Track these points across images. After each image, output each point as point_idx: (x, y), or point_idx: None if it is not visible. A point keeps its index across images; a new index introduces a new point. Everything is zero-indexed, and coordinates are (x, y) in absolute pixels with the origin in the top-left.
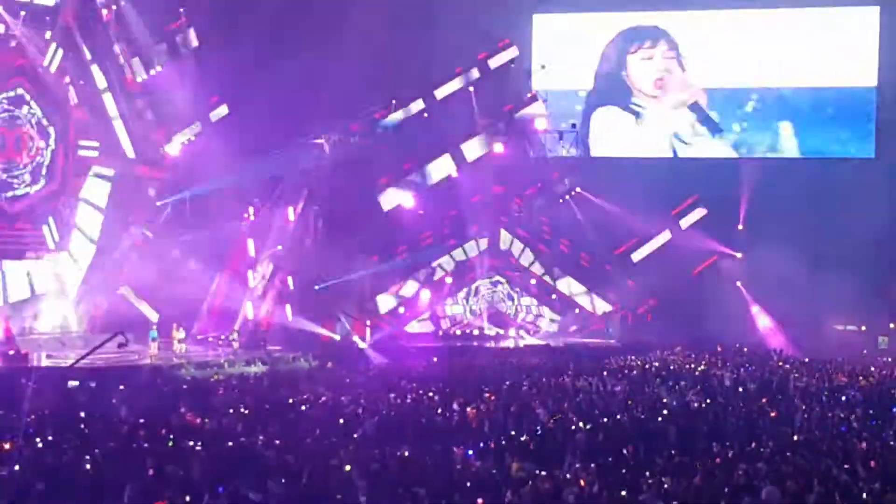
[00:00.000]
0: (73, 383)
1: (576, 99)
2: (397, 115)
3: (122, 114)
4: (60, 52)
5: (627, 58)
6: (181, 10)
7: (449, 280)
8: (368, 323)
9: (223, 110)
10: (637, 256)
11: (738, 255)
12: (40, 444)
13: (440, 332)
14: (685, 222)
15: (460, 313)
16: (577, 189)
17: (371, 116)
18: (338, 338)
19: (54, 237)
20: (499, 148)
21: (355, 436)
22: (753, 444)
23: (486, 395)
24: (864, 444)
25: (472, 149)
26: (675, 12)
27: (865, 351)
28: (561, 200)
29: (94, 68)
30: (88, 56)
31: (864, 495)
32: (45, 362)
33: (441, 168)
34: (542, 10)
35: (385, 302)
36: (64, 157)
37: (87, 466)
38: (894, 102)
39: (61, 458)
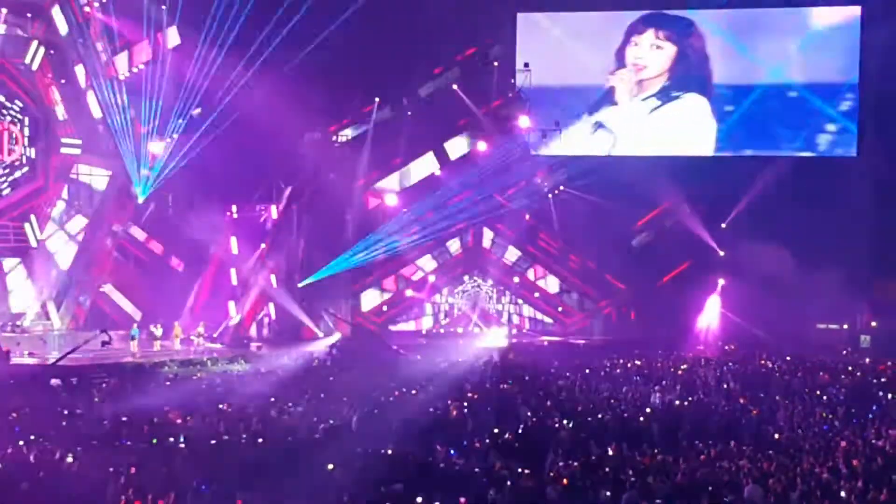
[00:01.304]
0: (55, 381)
1: (559, 97)
2: (381, 114)
3: (104, 112)
4: (42, 49)
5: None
6: (163, 7)
7: (432, 278)
8: (350, 321)
9: (206, 109)
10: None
11: (721, 252)
12: (22, 443)
13: (423, 331)
14: (667, 222)
15: (444, 311)
16: (561, 187)
17: (354, 114)
18: (322, 335)
19: (36, 235)
20: (482, 146)
21: (339, 434)
22: (736, 443)
23: (469, 393)
24: (846, 443)
25: (456, 147)
26: (659, 13)
27: (845, 352)
28: (546, 196)
29: (77, 66)
30: (71, 54)
31: (847, 493)
32: (26, 360)
33: (425, 166)
34: (525, 9)
35: (368, 300)
36: (46, 155)
37: (70, 465)
38: (875, 101)
39: (44, 456)
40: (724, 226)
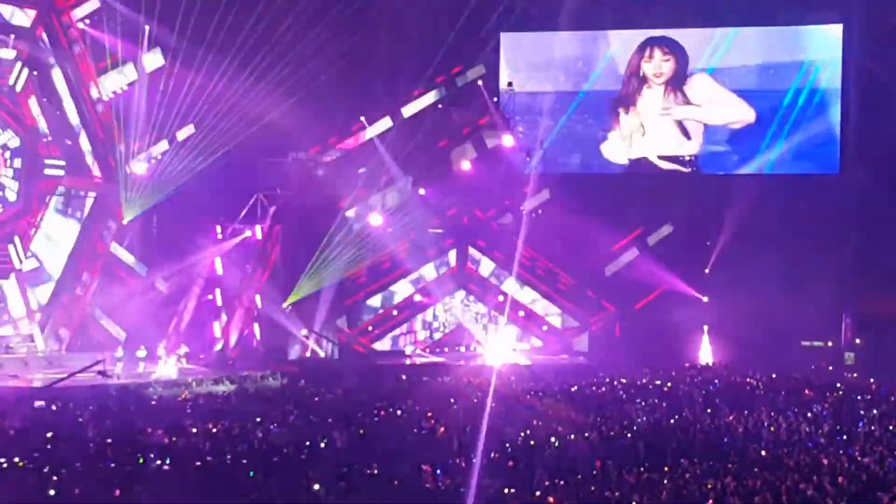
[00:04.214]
0: (39, 403)
1: (544, 116)
2: (365, 134)
3: (88, 132)
4: (26, 70)
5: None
6: (147, 27)
7: (418, 297)
8: (336, 341)
9: (190, 129)
10: (607, 272)
11: (706, 270)
12: (6, 466)
13: (409, 350)
14: (652, 239)
15: (429, 331)
16: (546, 206)
17: (338, 134)
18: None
19: (20, 256)
20: (466, 165)
21: (324, 454)
22: (721, 460)
23: (456, 412)
24: (831, 460)
25: (440, 166)
26: (643, 31)
27: (832, 367)
28: (530, 215)
29: (61, 87)
30: (54, 74)
31: None
32: (9, 383)
33: (410, 185)
34: (509, 29)
35: (354, 320)
36: (30, 176)
37: (54, 487)
38: (857, 117)
39: (28, 479)
40: (708, 243)
